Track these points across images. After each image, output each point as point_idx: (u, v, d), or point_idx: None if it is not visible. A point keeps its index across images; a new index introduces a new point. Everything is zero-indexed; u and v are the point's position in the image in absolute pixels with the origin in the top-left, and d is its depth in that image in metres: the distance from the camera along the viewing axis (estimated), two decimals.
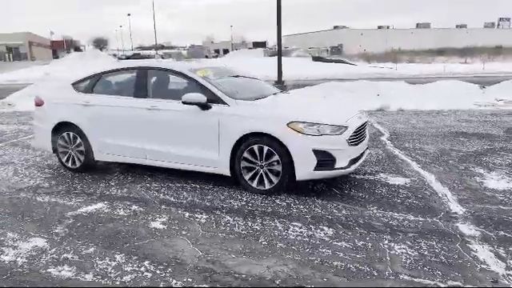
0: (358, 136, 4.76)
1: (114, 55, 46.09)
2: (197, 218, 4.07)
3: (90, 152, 5.67)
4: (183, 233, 3.72)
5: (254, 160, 4.66)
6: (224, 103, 4.83)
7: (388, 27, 71.76)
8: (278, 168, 4.54)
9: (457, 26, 76.38)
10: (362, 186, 4.94)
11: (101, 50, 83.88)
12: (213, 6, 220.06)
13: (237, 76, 6.03)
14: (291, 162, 4.47)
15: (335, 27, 70.75)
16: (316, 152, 4.41)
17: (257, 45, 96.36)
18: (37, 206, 4.50)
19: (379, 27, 72.59)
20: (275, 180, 4.59)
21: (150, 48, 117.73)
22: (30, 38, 72.23)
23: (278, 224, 3.86)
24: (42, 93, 6.23)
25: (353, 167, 4.66)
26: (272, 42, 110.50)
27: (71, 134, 5.73)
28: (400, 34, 66.05)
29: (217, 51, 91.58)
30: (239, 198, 4.61)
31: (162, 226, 3.87)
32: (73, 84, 5.90)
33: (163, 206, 4.41)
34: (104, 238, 3.66)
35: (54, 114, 5.84)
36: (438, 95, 12.76)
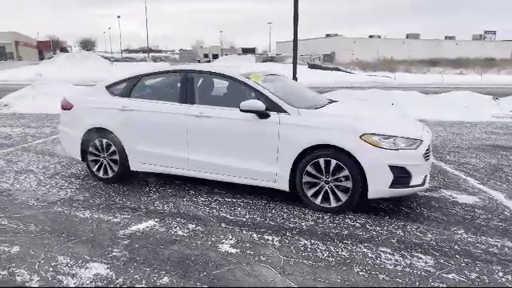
0: (428, 150, 4.40)
1: (108, 58, 45.19)
2: (268, 240, 3.64)
3: (125, 161, 5.20)
4: (262, 258, 3.29)
5: (318, 175, 4.26)
6: (284, 112, 4.43)
7: (379, 36, 72.36)
8: (347, 184, 4.15)
9: (446, 38, 77.45)
10: (430, 204, 4.58)
11: (88, 51, 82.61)
12: (200, 10, 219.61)
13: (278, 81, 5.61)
14: (363, 178, 4.09)
15: (327, 35, 71.04)
16: (392, 168, 4.03)
17: (246, 51, 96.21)
18: (79, 223, 4.02)
19: (370, 36, 73.15)
20: (343, 197, 4.19)
21: (137, 51, 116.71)
22: (16, 37, 70.59)
23: (364, 249, 3.46)
24: (71, 96, 5.73)
25: (427, 184, 4.30)
26: (261, 48, 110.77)
27: (104, 141, 5.25)
28: (391, 44, 66.53)
29: (206, 56, 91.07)
30: (303, 216, 4.20)
31: (233, 250, 3.43)
32: (107, 87, 5.42)
33: (223, 225, 3.97)
34: (173, 264, 3.20)
35: (86, 118, 5.35)
36: (454, 106, 12.56)
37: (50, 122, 10.68)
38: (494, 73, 33.93)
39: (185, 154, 4.85)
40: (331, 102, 5.31)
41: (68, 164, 6.29)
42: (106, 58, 45.08)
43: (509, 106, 13.00)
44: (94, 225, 3.97)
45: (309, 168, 4.27)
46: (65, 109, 5.61)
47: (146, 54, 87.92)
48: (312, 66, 36.62)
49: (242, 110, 4.43)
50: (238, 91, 4.80)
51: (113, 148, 5.22)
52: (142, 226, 3.96)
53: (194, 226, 3.96)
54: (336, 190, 4.22)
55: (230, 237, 3.70)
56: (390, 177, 4.03)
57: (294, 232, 3.82)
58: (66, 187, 5.19)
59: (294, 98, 4.82)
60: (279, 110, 4.44)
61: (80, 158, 5.49)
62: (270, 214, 4.26)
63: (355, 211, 4.28)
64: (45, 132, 9.14)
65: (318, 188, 4.29)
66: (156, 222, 4.06)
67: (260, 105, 4.39)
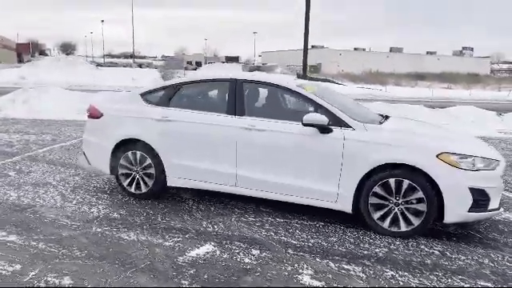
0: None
1: (97, 64, 44.18)
2: (349, 270, 3.28)
3: (161, 175, 4.76)
4: None
5: (386, 196, 3.93)
6: (348, 126, 4.09)
7: (364, 49, 73.39)
8: (420, 207, 3.82)
9: (427, 53, 79.14)
10: (498, 228, 4.31)
11: (67, 54, 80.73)
12: (182, 17, 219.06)
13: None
14: (440, 201, 3.78)
15: (313, 46, 71.48)
16: (472, 190, 3.73)
17: (230, 59, 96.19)
18: (129, 247, 3.57)
19: (355, 49, 74.06)
20: (415, 221, 3.87)
21: (118, 56, 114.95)
22: None
23: (462, 283, 3.13)
24: (100, 103, 5.27)
25: (502, 208, 4.02)
26: (244, 57, 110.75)
27: (138, 153, 4.80)
28: (376, 57, 67.43)
29: (190, 63, 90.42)
30: (372, 241, 3.86)
31: (318, 283, 3.06)
32: (142, 95, 4.99)
33: (290, 251, 3.59)
34: None
35: (117, 128, 4.90)
36: (462, 121, 12.50)
37: (48, 128, 10.08)
38: (480, 88, 34.58)
39: (232, 169, 4.46)
40: (384, 116, 5.01)
41: (86, 176, 5.80)
42: (92, 62, 44.06)
43: None
44: (146, 249, 3.53)
45: (377, 188, 3.94)
46: (92, 117, 5.15)
47: (128, 60, 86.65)
48: (301, 77, 36.54)
49: (304, 124, 4.08)
50: (292, 103, 4.47)
51: (148, 161, 4.78)
52: (200, 251, 3.54)
53: (258, 251, 3.57)
54: (407, 212, 3.89)
55: (305, 266, 3.32)
56: (470, 200, 3.74)
57: (372, 260, 3.46)
58: (96, 203, 4.72)
59: (351, 111, 4.50)
60: (343, 124, 4.11)
61: (108, 172, 5.03)
62: (333, 239, 3.90)
63: (425, 236, 3.97)
64: (47, 139, 8.56)
65: (385, 210, 3.96)
66: (214, 246, 3.65)
67: (324, 119, 4.05)
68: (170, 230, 4.00)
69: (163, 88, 4.94)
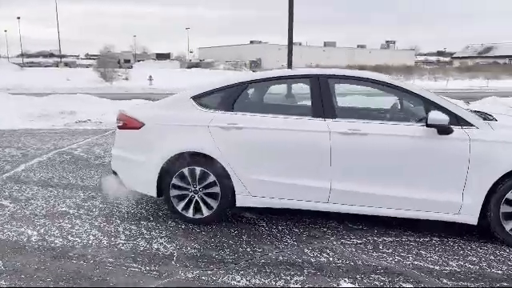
0: None
1: (20, 65, 40.16)
2: None
3: (228, 195, 3.89)
4: None
5: None
6: (470, 125, 3.52)
7: (300, 44, 74.38)
8: None
9: (358, 46, 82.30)
10: None
11: None
12: (107, 14, 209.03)
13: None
14: None
15: (251, 42, 71.35)
16: None
17: (160, 56, 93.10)
18: None
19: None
20: None
21: (36, 55, 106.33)
22: None
23: None
24: (136, 111, 4.25)
25: None
26: (176, 53, 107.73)
27: (198, 169, 3.89)
28: (312, 51, 68.68)
29: (117, 62, 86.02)
30: None
31: None
32: (194, 98, 4.05)
33: (446, 281, 2.95)
34: None
35: (168, 140, 3.94)
36: None
37: (5, 141, 8.37)
38: (417, 79, 36.10)
39: (325, 182, 3.71)
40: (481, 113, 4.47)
41: (106, 200, 4.70)
42: (13, 63, 40.06)
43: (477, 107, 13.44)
44: None
45: (510, 195, 3.41)
46: (128, 128, 4.11)
47: (47, 59, 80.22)
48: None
49: (429, 125, 3.44)
50: (393, 102, 3.81)
51: (211, 178, 3.88)
52: None
53: (411, 285, 2.88)
54: None
55: None
56: None
57: None
58: (151, 236, 3.74)
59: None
60: (463, 123, 3.53)
61: (155, 194, 4.05)
62: (474, 259, 3.31)
63: None
64: (14, 155, 7.08)
65: None
66: (352, 283, 2.90)
67: (445, 118, 3.44)
68: (278, 266, 3.18)
69: (222, 89, 4.03)
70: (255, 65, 54.70)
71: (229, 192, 3.88)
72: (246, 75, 4.20)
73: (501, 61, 62.91)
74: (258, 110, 3.93)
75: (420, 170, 3.55)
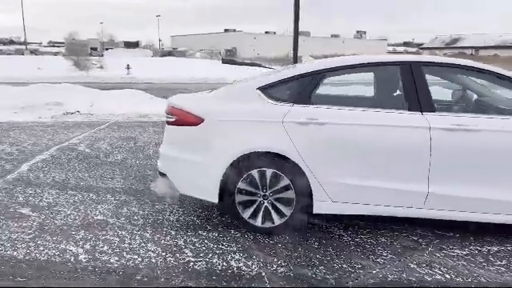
0: None
1: None
2: None
3: (304, 200, 3.38)
4: None
5: None
6: None
7: (275, 33, 73.66)
8: None
9: (332, 36, 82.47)
10: None
11: None
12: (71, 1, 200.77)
13: None
14: None
15: (226, 30, 69.89)
16: None
17: (129, 44, 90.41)
18: None
19: (266, 32, 74.02)
20: None
21: None
22: None
23: None
24: (192, 104, 3.64)
25: None
26: (145, 42, 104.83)
27: (270, 171, 3.36)
28: (288, 40, 67.95)
29: (90, 49, 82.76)
30: None
31: None
32: (262, 89, 3.49)
33: None
34: None
35: (234, 138, 3.39)
36: None
37: None
38: None
39: (422, 185, 3.25)
40: None
41: (144, 205, 4.13)
42: None
43: None
44: None
45: None
46: (183, 124, 3.52)
47: (8, 47, 76.07)
48: (226, 61, 35.26)
49: None
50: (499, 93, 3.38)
51: (285, 181, 3.36)
52: None
53: None
54: None
55: None
56: None
57: None
58: (220, 250, 3.20)
59: None
60: None
61: (216, 200, 3.49)
62: None
63: None
64: (11, 152, 6.29)
65: None
66: None
67: None
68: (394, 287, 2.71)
69: (294, 78, 3.49)
70: (231, 54, 53.76)
71: (305, 197, 3.37)
72: (320, 63, 3.64)
73: (467, 51, 64.55)
74: (339, 103, 3.44)
75: None
